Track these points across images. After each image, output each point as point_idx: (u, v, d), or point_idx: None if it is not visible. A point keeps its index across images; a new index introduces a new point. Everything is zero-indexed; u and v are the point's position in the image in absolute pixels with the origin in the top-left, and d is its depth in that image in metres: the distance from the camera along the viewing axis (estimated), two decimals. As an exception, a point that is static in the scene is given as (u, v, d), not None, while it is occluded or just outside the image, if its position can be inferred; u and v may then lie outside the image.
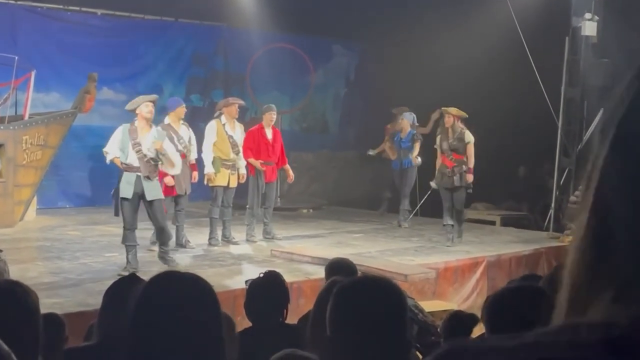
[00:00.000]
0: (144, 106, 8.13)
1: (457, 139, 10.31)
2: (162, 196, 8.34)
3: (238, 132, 10.07)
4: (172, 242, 9.02)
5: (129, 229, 8.10)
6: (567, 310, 0.68)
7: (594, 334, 0.61)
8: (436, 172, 10.53)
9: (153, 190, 8.14)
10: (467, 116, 10.40)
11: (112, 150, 8.24)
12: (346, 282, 2.26)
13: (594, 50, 11.76)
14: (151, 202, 8.10)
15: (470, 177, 10.31)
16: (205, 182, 9.88)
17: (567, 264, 0.70)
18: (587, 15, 11.48)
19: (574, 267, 0.68)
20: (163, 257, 8.42)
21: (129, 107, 8.52)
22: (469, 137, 10.34)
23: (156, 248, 9.36)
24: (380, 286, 2.22)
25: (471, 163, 10.30)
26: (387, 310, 2.13)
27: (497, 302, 2.84)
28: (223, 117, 9.99)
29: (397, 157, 12.28)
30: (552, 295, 0.83)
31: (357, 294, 2.17)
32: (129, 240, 8.12)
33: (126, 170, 8.08)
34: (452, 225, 10.48)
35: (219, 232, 10.02)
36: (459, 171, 10.28)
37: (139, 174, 8.03)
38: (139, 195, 8.07)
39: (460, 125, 10.35)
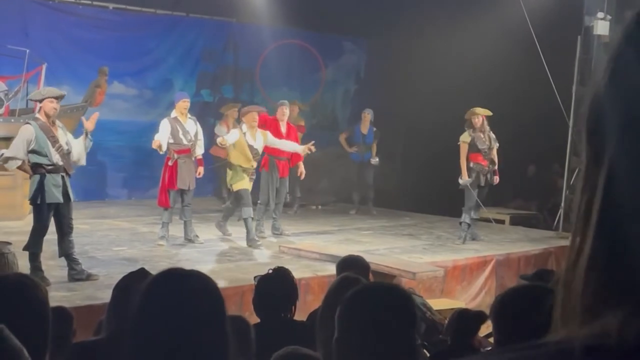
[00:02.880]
0: (48, 102, 7.30)
1: (491, 138, 10.40)
2: None
3: (259, 141, 9.85)
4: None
5: (44, 235, 7.36)
6: (572, 321, 0.63)
7: (612, 345, 0.58)
8: (468, 170, 10.31)
9: (71, 188, 7.45)
10: (491, 114, 10.45)
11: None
12: (358, 289, 2.29)
13: (606, 50, 11.67)
14: (70, 201, 7.43)
15: (496, 179, 10.45)
16: (218, 142, 9.82)
17: (570, 277, 0.65)
18: (600, 15, 11.42)
19: (580, 282, 0.63)
20: (79, 271, 7.47)
21: (32, 96, 7.84)
22: (494, 137, 10.47)
23: (165, 242, 9.38)
24: (391, 294, 2.26)
25: (495, 164, 10.47)
26: (396, 318, 2.15)
27: (504, 303, 2.82)
28: (244, 126, 9.83)
29: (359, 151, 13.05)
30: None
31: (368, 301, 2.20)
32: (39, 247, 7.34)
33: (53, 172, 7.27)
34: (469, 225, 10.42)
35: (254, 231, 9.74)
36: (491, 170, 10.40)
37: (63, 174, 7.31)
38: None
39: (487, 124, 10.39)
